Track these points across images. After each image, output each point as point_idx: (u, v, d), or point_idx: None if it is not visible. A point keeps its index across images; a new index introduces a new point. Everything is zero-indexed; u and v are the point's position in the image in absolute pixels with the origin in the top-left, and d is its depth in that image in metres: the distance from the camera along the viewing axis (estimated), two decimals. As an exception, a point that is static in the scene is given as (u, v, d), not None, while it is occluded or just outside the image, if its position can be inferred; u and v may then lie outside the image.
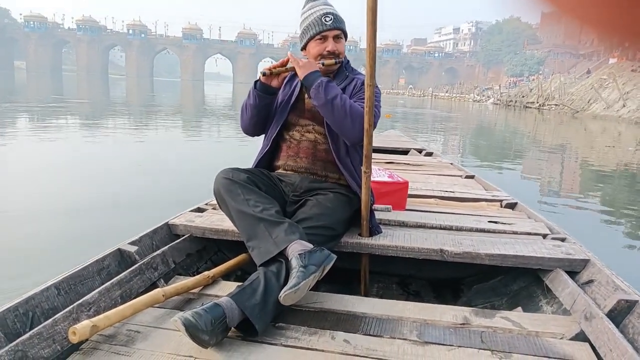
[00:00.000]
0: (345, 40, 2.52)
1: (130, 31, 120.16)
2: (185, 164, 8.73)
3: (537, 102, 45.25)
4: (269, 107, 2.52)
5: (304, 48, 2.52)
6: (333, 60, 2.43)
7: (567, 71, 63.56)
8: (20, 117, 16.18)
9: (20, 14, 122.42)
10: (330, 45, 2.42)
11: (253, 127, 2.57)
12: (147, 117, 18.67)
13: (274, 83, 2.44)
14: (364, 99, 2.30)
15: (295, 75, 2.49)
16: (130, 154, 9.67)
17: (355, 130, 2.27)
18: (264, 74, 2.39)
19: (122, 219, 4.96)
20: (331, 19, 2.41)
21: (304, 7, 2.52)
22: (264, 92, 2.44)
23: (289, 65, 2.39)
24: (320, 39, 2.43)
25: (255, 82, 2.45)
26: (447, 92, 76.87)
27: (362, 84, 2.47)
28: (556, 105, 41.82)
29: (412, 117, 26.83)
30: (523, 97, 50.14)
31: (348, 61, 2.59)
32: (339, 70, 2.54)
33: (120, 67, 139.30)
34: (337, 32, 2.43)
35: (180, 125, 16.64)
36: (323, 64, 2.40)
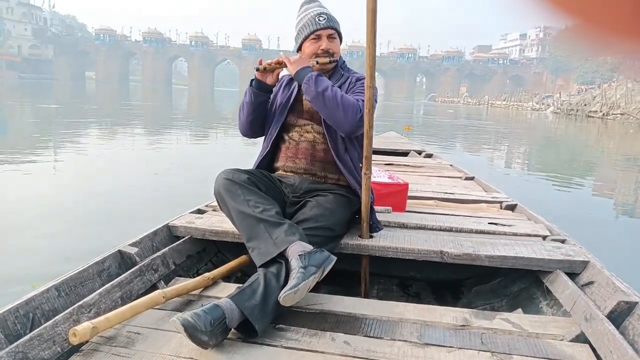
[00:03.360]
0: (341, 42, 2.55)
1: (193, 43, 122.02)
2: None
3: (600, 111, 41.87)
4: (264, 106, 2.56)
5: (299, 49, 2.55)
6: (327, 59, 2.46)
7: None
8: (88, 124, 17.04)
9: (92, 28, 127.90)
10: (324, 44, 2.45)
11: (250, 127, 2.60)
12: (207, 125, 19.14)
13: (269, 80, 2.48)
14: (358, 92, 2.35)
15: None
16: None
17: (348, 120, 2.28)
18: (257, 69, 2.43)
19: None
20: (325, 19, 2.44)
21: (299, 10, 2.56)
22: (259, 89, 2.48)
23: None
24: (315, 38, 2.46)
25: (251, 80, 2.49)
26: (504, 100, 73.54)
27: (357, 80, 2.51)
28: (621, 114, 38.39)
29: (443, 132, 22.70)
30: (585, 105, 46.72)
31: (344, 61, 2.61)
32: (334, 70, 2.56)
33: (184, 77, 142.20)
34: (330, 31, 2.46)
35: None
36: (317, 62, 2.44)
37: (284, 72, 2.52)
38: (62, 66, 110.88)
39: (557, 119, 41.17)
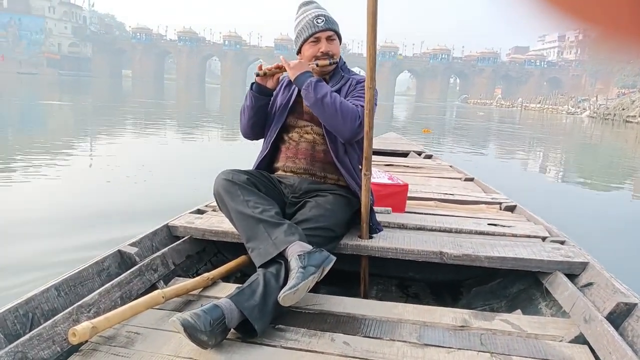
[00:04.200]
0: (340, 42, 2.55)
1: (226, 42, 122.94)
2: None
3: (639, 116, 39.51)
4: (265, 109, 2.57)
5: (299, 52, 2.55)
6: (327, 61, 2.45)
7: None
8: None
9: (129, 27, 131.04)
10: (323, 47, 2.45)
11: (251, 130, 2.61)
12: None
13: (269, 84, 2.49)
14: (358, 97, 2.34)
15: None
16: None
17: (346, 127, 2.29)
18: (257, 74, 2.45)
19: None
20: (323, 21, 2.44)
21: (297, 12, 2.56)
22: (259, 93, 2.50)
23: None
24: (314, 41, 2.46)
25: (252, 84, 2.51)
26: (539, 103, 70.79)
27: (357, 82, 2.51)
28: (661, 119, 35.43)
29: (466, 137, 20.56)
30: (623, 109, 44.13)
31: (344, 62, 2.61)
32: (334, 71, 2.56)
33: (217, 75, 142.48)
34: (329, 33, 2.46)
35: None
36: (317, 65, 2.44)
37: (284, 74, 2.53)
38: (100, 64, 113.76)
39: (593, 123, 39.10)
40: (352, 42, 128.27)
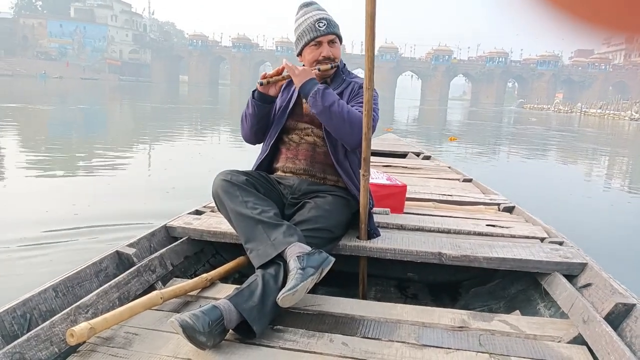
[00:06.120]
0: (340, 44, 2.54)
1: (279, 48, 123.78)
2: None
3: None
4: (268, 117, 2.56)
5: (299, 54, 2.55)
6: (329, 65, 2.45)
7: None
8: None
9: (187, 34, 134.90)
10: (325, 51, 2.45)
11: (254, 136, 2.61)
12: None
13: (272, 92, 2.47)
14: (361, 102, 2.30)
15: (292, 81, 2.50)
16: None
17: (354, 136, 2.28)
18: (260, 84, 2.42)
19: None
20: (325, 24, 2.43)
21: (297, 13, 2.54)
22: (262, 101, 2.48)
23: (285, 73, 2.41)
24: (315, 44, 2.45)
25: (253, 91, 2.49)
26: (600, 108, 66.01)
27: (360, 87, 2.49)
28: None
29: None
30: None
31: (344, 65, 2.61)
32: (335, 74, 2.56)
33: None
34: (331, 37, 2.45)
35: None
36: (319, 70, 2.43)
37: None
38: (158, 70, 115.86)
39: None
40: (405, 46, 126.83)
